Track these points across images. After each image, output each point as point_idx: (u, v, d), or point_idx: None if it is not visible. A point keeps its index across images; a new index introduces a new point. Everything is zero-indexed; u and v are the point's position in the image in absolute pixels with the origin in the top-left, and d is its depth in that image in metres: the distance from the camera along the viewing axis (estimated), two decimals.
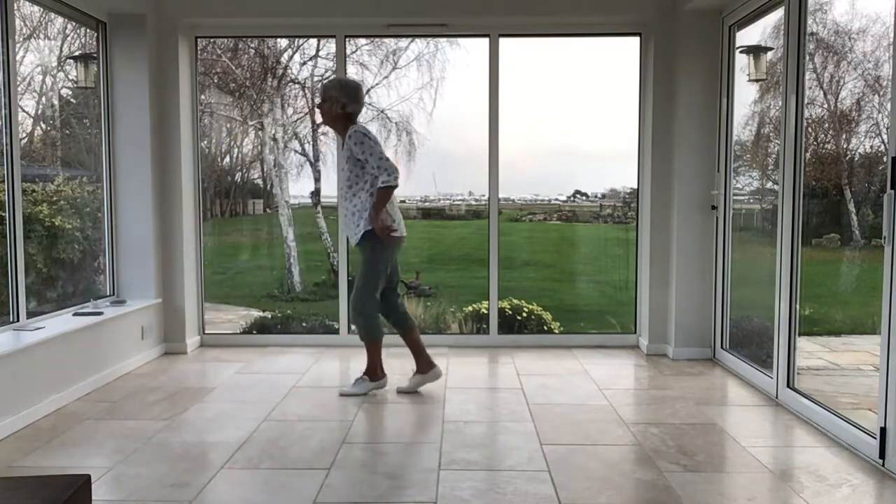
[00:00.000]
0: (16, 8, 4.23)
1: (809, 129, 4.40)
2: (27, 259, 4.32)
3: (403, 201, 7.21)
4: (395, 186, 4.10)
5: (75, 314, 4.64)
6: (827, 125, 4.63)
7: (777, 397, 4.20)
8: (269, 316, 6.37)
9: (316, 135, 6.79)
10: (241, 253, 7.54)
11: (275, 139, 6.84)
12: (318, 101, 4.30)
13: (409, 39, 6.27)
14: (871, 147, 4.34)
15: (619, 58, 5.65)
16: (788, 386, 4.09)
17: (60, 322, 4.39)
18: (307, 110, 6.88)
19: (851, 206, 4.41)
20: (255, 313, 6.44)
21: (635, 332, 5.71)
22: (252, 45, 6.74)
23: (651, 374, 4.88)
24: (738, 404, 4.21)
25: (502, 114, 5.55)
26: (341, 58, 5.60)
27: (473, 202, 6.80)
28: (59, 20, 5.07)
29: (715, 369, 4.97)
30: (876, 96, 4.15)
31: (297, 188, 6.97)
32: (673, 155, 5.24)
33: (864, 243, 4.26)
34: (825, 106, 4.54)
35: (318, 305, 6.54)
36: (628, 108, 5.58)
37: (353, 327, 5.73)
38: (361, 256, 4.27)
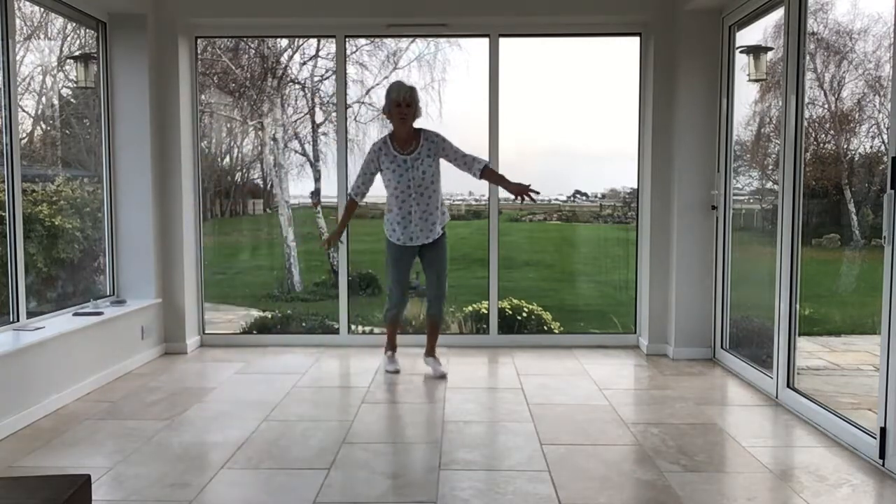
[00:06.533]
0: (16, 8, 4.23)
1: (809, 129, 4.40)
2: (27, 259, 4.32)
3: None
4: None
5: (75, 314, 4.64)
6: (827, 125, 4.62)
7: (777, 397, 4.20)
8: (269, 316, 6.37)
9: (316, 135, 6.79)
10: (241, 253, 7.54)
11: (275, 139, 6.84)
12: (404, 103, 4.46)
13: (410, 40, 6.27)
14: (872, 147, 4.34)
15: (619, 58, 5.65)
16: (788, 386, 4.09)
17: (60, 322, 4.39)
18: (307, 110, 6.88)
19: (851, 206, 4.41)
20: (255, 313, 6.44)
21: (635, 332, 5.70)
22: (252, 45, 6.74)
23: (651, 374, 4.88)
24: (738, 404, 4.21)
25: (502, 113, 5.55)
26: (341, 58, 5.60)
27: (473, 202, 6.80)
28: (59, 20, 5.07)
29: (715, 369, 4.97)
30: (877, 96, 4.15)
31: (297, 188, 6.98)
32: (673, 155, 5.23)
33: (864, 243, 4.26)
34: (825, 106, 4.54)
35: (318, 305, 6.54)
36: (628, 108, 5.58)
37: (356, 321, 5.74)
38: (444, 248, 4.70)
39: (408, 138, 4.53)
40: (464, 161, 4.54)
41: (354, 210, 4.79)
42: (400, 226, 4.59)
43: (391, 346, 4.93)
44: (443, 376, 4.69)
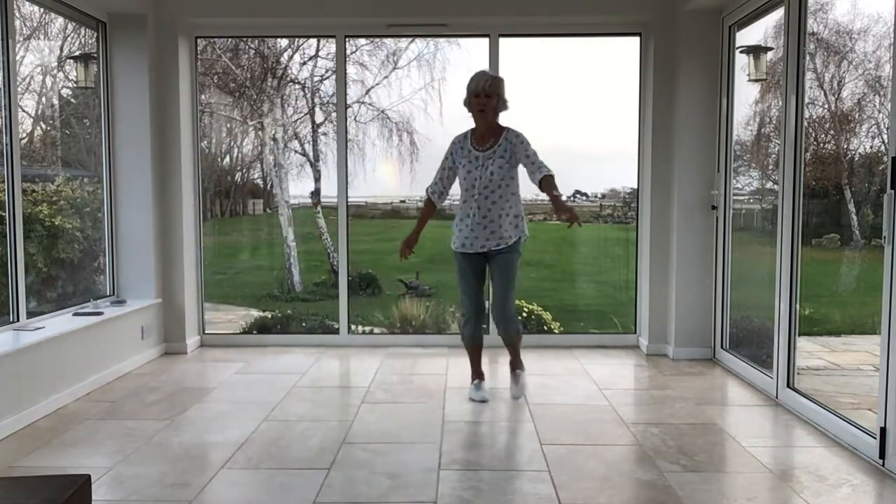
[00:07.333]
0: (16, 8, 4.23)
1: (809, 129, 4.40)
2: (27, 259, 4.32)
3: (404, 201, 7.21)
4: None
5: (75, 314, 4.64)
6: (827, 125, 4.63)
7: (777, 397, 4.20)
8: (269, 316, 6.37)
9: (316, 135, 6.79)
10: (241, 253, 7.54)
11: (275, 139, 6.85)
12: (483, 93, 4.04)
13: (410, 39, 6.27)
14: (872, 147, 4.34)
15: (619, 58, 5.65)
16: (788, 386, 4.09)
17: (60, 322, 4.39)
18: (307, 110, 6.89)
19: (851, 206, 4.42)
20: (255, 313, 6.44)
21: (635, 332, 5.70)
22: (252, 45, 6.74)
23: (651, 374, 4.88)
24: (738, 404, 4.21)
25: (502, 113, 5.53)
26: (341, 58, 5.60)
27: None
28: (59, 20, 5.07)
29: (715, 369, 4.97)
30: (877, 96, 4.16)
31: (297, 188, 6.99)
32: (673, 155, 5.23)
33: (864, 243, 4.26)
34: (825, 106, 4.54)
35: (318, 305, 6.54)
36: (628, 108, 5.58)
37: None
38: (507, 262, 4.10)
39: (486, 133, 4.12)
40: (530, 165, 4.04)
41: (432, 211, 4.34)
42: (457, 228, 4.20)
43: (476, 374, 4.31)
44: (516, 397, 4.21)
